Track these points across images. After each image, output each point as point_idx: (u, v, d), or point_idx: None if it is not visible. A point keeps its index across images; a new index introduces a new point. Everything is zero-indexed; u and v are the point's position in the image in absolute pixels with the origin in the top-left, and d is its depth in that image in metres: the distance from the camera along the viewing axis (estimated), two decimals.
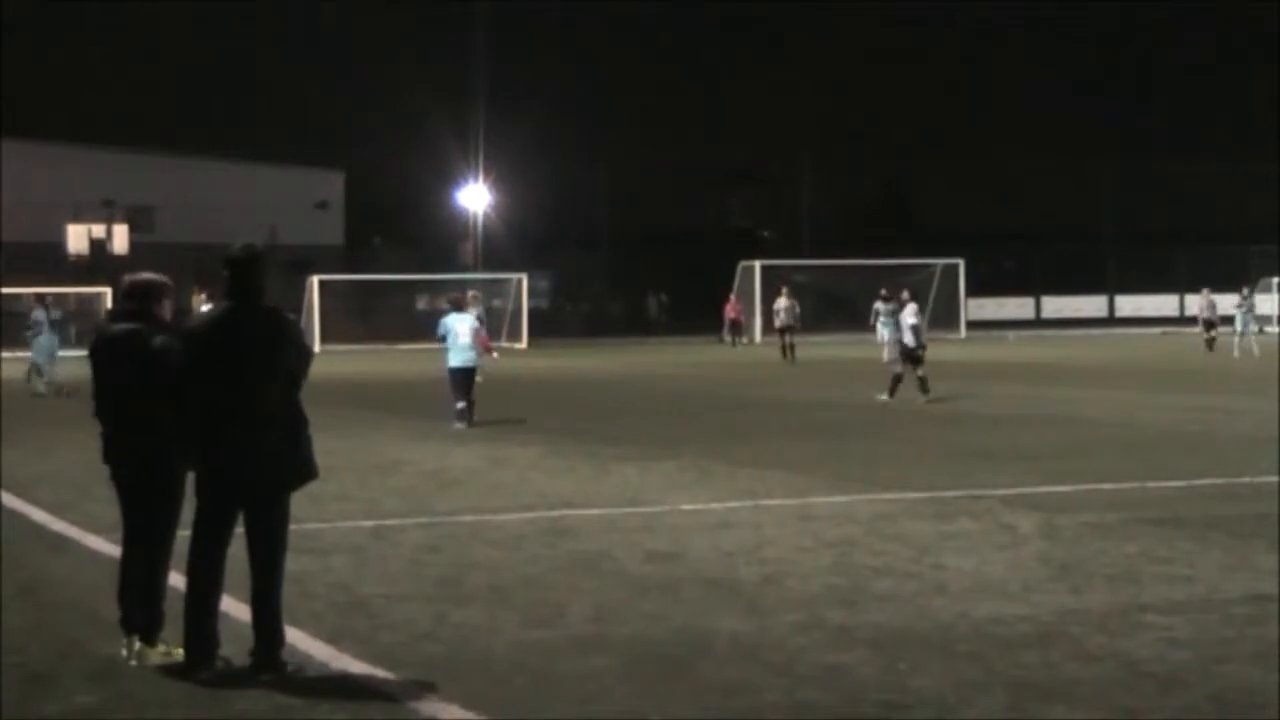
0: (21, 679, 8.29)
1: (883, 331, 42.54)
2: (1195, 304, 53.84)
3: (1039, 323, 72.44)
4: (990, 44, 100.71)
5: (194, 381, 8.44)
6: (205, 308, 11.29)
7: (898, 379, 27.79)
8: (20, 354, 38.26)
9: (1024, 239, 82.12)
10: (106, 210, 63.49)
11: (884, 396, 27.60)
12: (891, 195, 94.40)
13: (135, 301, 8.84)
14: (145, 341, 8.60)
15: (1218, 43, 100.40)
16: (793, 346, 45.20)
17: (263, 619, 8.36)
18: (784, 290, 48.14)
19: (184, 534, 8.63)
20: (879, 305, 43.05)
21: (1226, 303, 48.85)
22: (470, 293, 39.64)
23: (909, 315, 28.12)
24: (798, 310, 47.84)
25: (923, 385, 27.37)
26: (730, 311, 60.03)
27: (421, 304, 71.83)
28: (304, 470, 8.53)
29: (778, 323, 47.76)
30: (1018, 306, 77.11)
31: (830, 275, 68.13)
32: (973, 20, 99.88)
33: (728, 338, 59.26)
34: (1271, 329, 67.67)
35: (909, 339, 27.85)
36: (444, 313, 25.21)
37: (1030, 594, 10.25)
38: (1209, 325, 47.67)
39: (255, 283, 8.52)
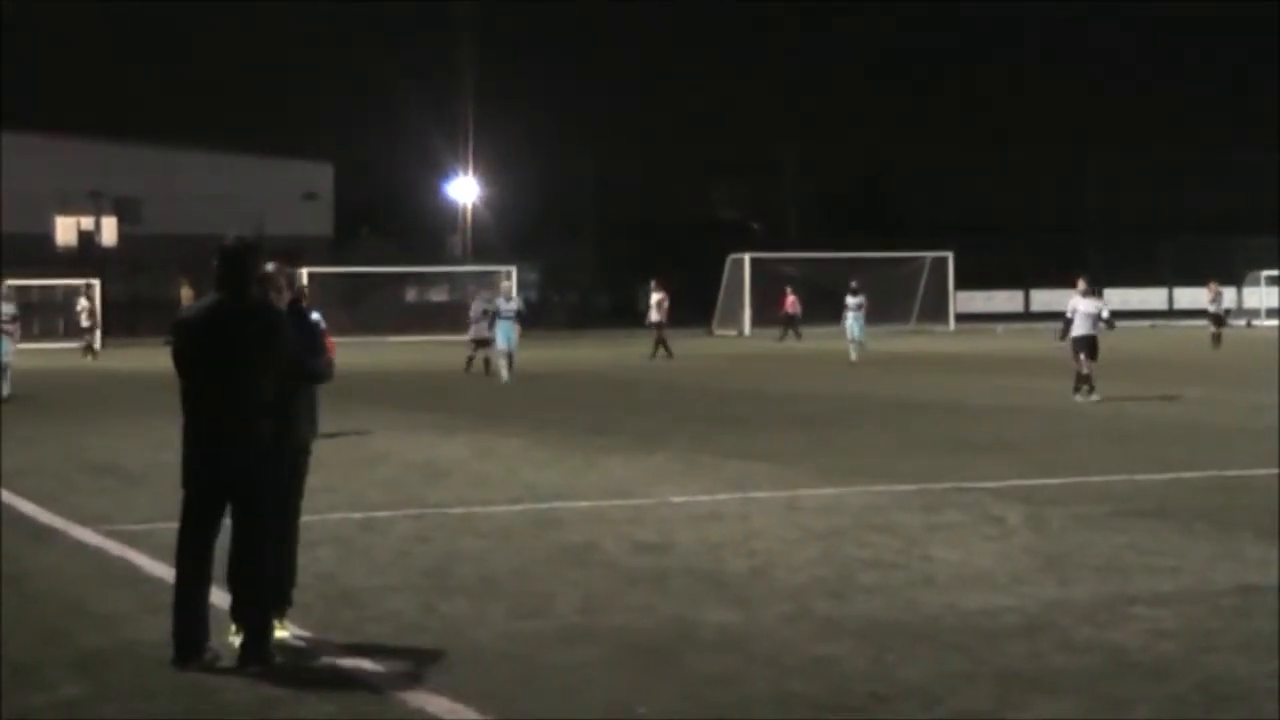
0: (6, 670, 8.25)
1: (852, 327, 41.14)
2: (1204, 297, 48.90)
3: (1028, 315, 72.46)
4: (977, 36, 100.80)
5: (182, 372, 8.44)
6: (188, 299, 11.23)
7: (1085, 373, 25.63)
8: None
9: (1013, 232, 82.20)
10: (94, 202, 63.36)
11: (1093, 396, 25.29)
12: (880, 188, 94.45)
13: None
14: None
15: (1203, 32, 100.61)
16: (662, 342, 43.25)
17: (250, 611, 8.33)
18: (654, 283, 46.67)
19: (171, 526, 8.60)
20: (849, 299, 41.70)
21: (1231, 296, 46.87)
22: (504, 283, 39.01)
23: (1090, 305, 26.05)
24: (666, 305, 45.36)
25: (1083, 383, 25.57)
26: (790, 307, 57.72)
27: (410, 296, 71.87)
28: (293, 464, 8.49)
29: (648, 319, 45.81)
30: (1006, 299, 77.17)
31: (818, 268, 68.11)
32: (958, 12, 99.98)
33: (786, 331, 56.72)
34: (1259, 322, 67.86)
35: (1087, 328, 25.72)
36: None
37: (1018, 585, 10.25)
38: (1218, 320, 44.97)
39: (245, 274, 8.47)
